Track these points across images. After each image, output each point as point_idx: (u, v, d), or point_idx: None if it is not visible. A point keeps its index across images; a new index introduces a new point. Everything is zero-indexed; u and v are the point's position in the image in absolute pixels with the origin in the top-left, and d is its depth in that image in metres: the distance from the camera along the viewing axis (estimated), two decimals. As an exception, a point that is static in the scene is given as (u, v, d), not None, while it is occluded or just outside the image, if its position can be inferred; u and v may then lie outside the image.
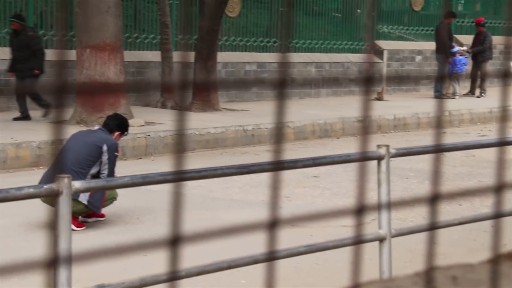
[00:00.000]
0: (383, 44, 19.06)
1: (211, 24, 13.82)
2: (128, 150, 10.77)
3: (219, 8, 13.88)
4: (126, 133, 7.40)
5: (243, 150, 11.78)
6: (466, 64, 17.81)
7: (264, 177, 9.09)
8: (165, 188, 8.68)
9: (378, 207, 4.86)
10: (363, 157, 5.07)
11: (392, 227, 4.91)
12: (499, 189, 1.13)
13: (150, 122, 11.93)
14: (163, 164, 10.17)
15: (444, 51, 17.40)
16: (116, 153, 7.07)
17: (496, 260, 1.20)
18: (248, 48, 17.02)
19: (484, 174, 9.74)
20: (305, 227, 6.97)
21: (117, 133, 7.20)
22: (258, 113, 13.29)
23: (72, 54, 12.43)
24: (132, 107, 12.53)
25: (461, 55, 17.84)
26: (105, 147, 6.94)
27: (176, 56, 14.76)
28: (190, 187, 8.34)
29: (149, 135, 11.12)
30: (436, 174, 1.10)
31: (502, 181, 1.15)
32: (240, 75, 16.54)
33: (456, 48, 17.91)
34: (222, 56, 15.55)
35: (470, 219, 5.21)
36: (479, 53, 18.10)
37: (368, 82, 0.97)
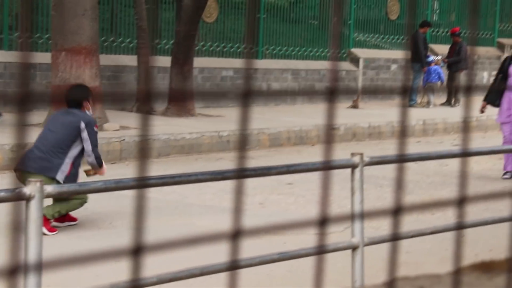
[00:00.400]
0: (359, 52, 19.15)
1: (188, 29, 13.81)
2: (102, 154, 10.70)
3: (196, 13, 13.87)
4: (91, 94, 7.41)
5: (218, 156, 11.77)
6: (441, 74, 17.93)
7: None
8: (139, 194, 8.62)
9: (352, 215, 4.87)
10: (337, 165, 5.08)
11: (365, 236, 4.92)
12: (461, 202, 1.14)
13: (125, 126, 11.88)
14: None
15: (419, 60, 17.53)
16: (95, 128, 7.14)
17: (459, 272, 1.20)
18: (225, 54, 17.02)
19: (457, 184, 9.81)
20: (278, 234, 6.97)
21: (85, 102, 7.20)
22: (233, 119, 13.27)
23: (47, 57, 12.36)
24: (107, 111, 12.47)
25: (436, 65, 17.97)
26: (82, 125, 7.01)
27: (153, 60, 14.72)
28: (164, 192, 8.31)
29: (123, 140, 11.07)
30: (400, 185, 1.10)
31: (464, 193, 1.16)
32: (217, 81, 16.53)
33: (432, 58, 18.03)
34: (199, 62, 15.52)
35: (442, 228, 5.24)
36: (454, 63, 18.24)
37: (332, 93, 0.98)
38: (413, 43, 17.46)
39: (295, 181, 9.38)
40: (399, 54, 19.72)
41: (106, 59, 14.41)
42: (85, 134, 7.02)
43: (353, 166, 4.69)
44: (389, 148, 13.29)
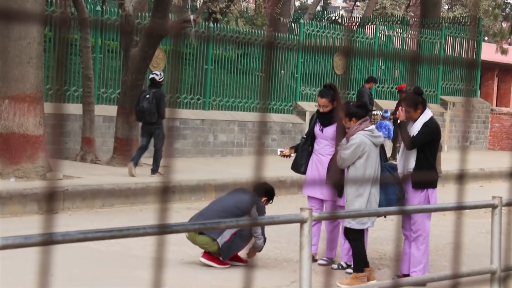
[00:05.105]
0: (305, 105, 19.31)
1: (134, 78, 13.74)
2: (44, 203, 10.47)
3: (144, 63, 13.82)
4: (271, 201, 7.84)
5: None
6: (390, 131, 18.07)
7: (183, 236, 8.95)
8: (84, 245, 8.43)
9: (300, 270, 4.81)
10: (286, 220, 5.03)
11: (314, 291, 4.86)
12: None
13: (68, 176, 11.66)
14: (81, 219, 9.93)
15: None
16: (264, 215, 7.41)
17: None
18: (172, 104, 16.95)
19: (401, 239, 9.83)
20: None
21: (264, 199, 7.69)
22: (179, 170, 13.18)
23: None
24: (51, 160, 12.25)
25: (384, 119, 18.20)
26: (254, 209, 7.38)
27: (98, 109, 14.59)
28: (108, 243, 8.14)
29: (67, 190, 10.85)
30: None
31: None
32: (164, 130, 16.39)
33: (389, 112, 18.27)
34: (145, 111, 15.40)
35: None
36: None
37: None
38: (359, 98, 17.69)
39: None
40: (344, 108, 19.92)
41: (51, 107, 14.21)
42: (255, 215, 7.30)
43: (302, 221, 4.62)
44: (335, 201, 13.28)
